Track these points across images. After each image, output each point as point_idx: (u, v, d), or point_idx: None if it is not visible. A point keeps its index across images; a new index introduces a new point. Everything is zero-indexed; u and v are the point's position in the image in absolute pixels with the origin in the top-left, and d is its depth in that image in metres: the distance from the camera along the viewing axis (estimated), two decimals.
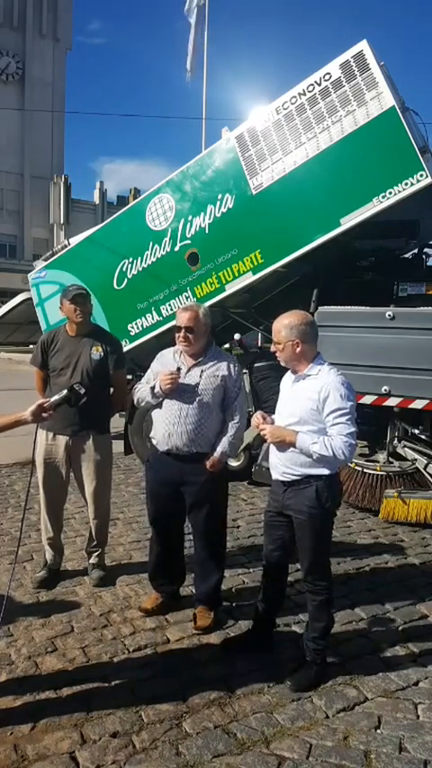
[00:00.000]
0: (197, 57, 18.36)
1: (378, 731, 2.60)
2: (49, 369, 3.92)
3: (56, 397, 2.92)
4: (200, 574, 3.50)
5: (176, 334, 3.37)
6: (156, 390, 3.33)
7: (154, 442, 3.45)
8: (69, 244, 7.03)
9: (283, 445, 2.89)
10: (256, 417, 2.98)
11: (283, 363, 3.00)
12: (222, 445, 3.35)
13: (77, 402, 3.06)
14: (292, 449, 2.85)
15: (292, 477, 2.90)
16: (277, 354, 2.98)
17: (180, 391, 3.30)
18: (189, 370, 3.35)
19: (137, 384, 3.58)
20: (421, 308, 5.19)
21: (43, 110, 38.44)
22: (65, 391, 2.98)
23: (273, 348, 3.01)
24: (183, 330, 3.31)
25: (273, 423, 2.97)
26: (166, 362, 3.44)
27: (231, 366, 3.40)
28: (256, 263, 5.47)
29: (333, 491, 2.92)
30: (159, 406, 3.39)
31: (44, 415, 2.79)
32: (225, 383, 3.36)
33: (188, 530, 3.58)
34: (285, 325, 2.89)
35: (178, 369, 3.33)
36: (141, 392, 3.45)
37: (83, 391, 3.04)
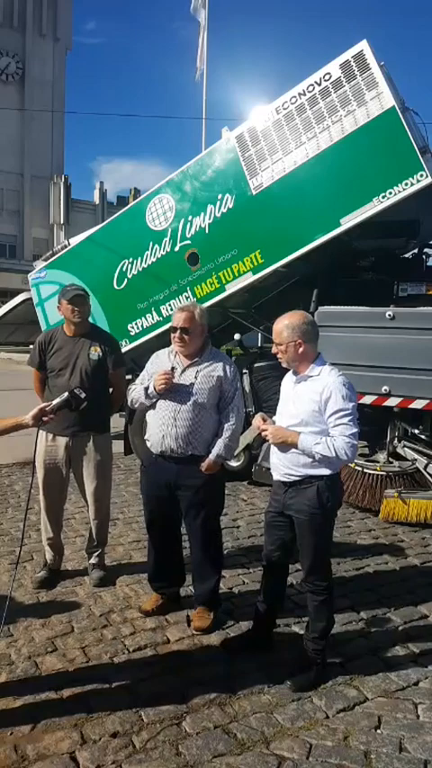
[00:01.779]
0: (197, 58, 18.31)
1: (378, 731, 2.59)
2: (47, 369, 3.92)
3: (56, 401, 2.92)
4: (198, 576, 3.50)
5: (172, 335, 3.35)
6: (150, 391, 3.30)
7: (148, 444, 3.43)
8: (69, 244, 7.03)
9: (285, 446, 2.88)
10: (258, 419, 2.98)
11: (285, 365, 3.00)
12: (218, 447, 3.31)
13: (78, 406, 3.06)
14: (293, 449, 2.85)
15: (293, 478, 2.90)
16: (279, 356, 2.97)
17: (174, 392, 3.27)
18: (184, 370, 3.33)
19: (131, 385, 3.55)
20: (421, 307, 5.20)
21: (43, 110, 38.42)
22: (66, 394, 2.98)
23: (274, 350, 2.99)
24: (178, 330, 3.29)
25: (274, 424, 2.97)
26: (162, 363, 3.43)
27: (227, 367, 3.37)
28: (256, 263, 5.47)
29: (334, 491, 2.92)
30: (154, 407, 3.37)
31: (44, 418, 2.80)
32: (221, 384, 3.33)
33: (185, 530, 3.57)
34: (287, 325, 2.89)
35: (173, 369, 3.31)
36: (135, 393, 3.42)
37: (83, 395, 3.03)
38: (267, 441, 2.96)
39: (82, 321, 3.88)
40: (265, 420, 2.96)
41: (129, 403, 3.53)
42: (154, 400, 3.35)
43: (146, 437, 3.48)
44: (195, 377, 3.30)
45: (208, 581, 3.44)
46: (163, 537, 3.54)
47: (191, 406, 3.27)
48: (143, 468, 3.59)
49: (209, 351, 3.42)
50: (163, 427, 3.29)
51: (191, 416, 3.26)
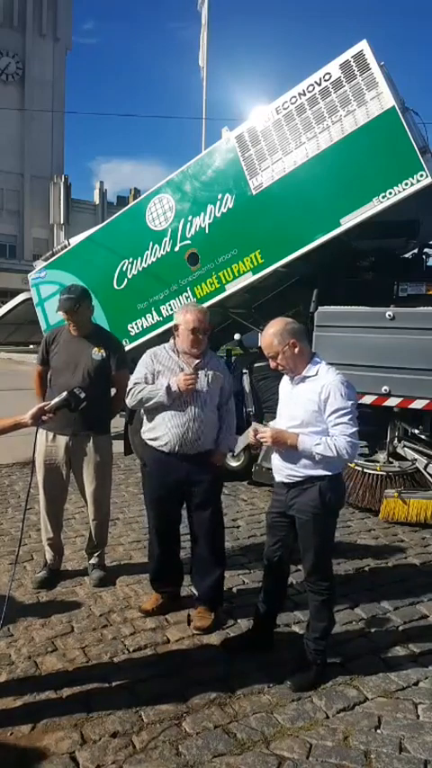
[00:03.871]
0: (198, 56, 18.30)
1: (378, 731, 2.59)
2: (50, 367, 3.91)
3: (56, 400, 2.92)
4: (201, 572, 3.50)
5: (186, 337, 3.34)
6: (173, 390, 3.29)
7: (156, 443, 3.40)
8: (69, 244, 7.03)
9: (285, 448, 2.88)
10: (252, 430, 2.98)
11: (287, 371, 2.96)
12: (225, 441, 3.49)
13: (77, 406, 3.05)
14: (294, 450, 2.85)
15: (295, 479, 2.90)
16: (279, 366, 2.93)
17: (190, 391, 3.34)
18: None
19: (135, 386, 3.48)
20: (421, 307, 5.19)
21: (43, 110, 38.42)
22: (65, 393, 2.98)
23: (273, 364, 2.96)
24: (199, 332, 3.32)
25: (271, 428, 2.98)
26: (164, 361, 3.43)
27: (223, 364, 3.59)
28: (256, 263, 5.48)
29: (337, 491, 2.92)
30: (170, 407, 3.34)
31: (44, 418, 2.80)
32: (222, 382, 3.45)
33: (183, 530, 3.58)
34: (274, 333, 2.88)
35: (196, 369, 3.35)
36: (146, 392, 3.36)
37: (83, 395, 3.03)
38: (266, 445, 2.97)
39: (81, 326, 3.87)
40: (257, 431, 2.95)
41: (135, 403, 3.44)
42: (174, 399, 3.32)
43: (150, 437, 3.44)
44: (205, 376, 3.38)
45: (211, 576, 3.46)
46: (167, 536, 3.56)
47: (203, 404, 3.35)
48: (147, 470, 3.58)
49: (209, 351, 3.50)
50: (179, 426, 3.32)
51: (202, 414, 3.34)
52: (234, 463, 6.21)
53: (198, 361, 3.40)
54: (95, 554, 4.07)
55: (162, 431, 3.37)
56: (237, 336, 6.41)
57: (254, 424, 3.04)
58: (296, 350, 2.87)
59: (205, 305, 5.64)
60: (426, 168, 4.69)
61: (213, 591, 3.47)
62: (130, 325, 6.25)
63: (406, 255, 6.65)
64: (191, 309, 3.41)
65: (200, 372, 3.36)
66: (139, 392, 3.40)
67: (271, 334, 2.89)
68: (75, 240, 7.07)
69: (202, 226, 5.71)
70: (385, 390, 5.15)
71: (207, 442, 3.38)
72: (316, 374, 2.87)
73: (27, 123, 40.31)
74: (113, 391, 4.06)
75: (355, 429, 2.77)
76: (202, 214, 5.69)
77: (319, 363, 2.91)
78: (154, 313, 6.11)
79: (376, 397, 5.20)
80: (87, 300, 3.91)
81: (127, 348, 6.01)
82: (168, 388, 3.30)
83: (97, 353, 3.84)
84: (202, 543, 3.47)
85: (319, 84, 5.02)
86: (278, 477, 3.01)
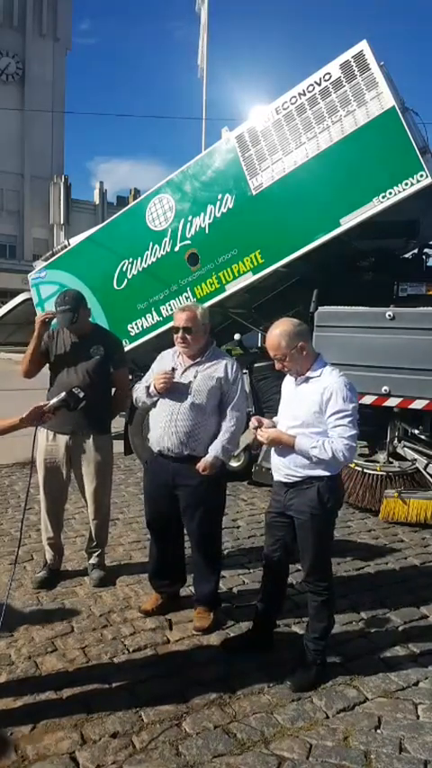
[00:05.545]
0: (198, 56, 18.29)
1: (378, 731, 2.59)
2: (48, 359, 3.91)
3: (54, 401, 2.93)
4: (197, 576, 3.50)
5: (174, 336, 3.36)
6: (150, 390, 3.34)
7: (149, 443, 3.47)
8: (69, 244, 7.04)
9: (284, 447, 2.88)
10: (252, 422, 2.98)
11: (293, 374, 2.95)
12: (215, 448, 3.28)
13: (76, 406, 3.06)
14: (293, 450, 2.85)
15: (293, 479, 2.90)
16: (285, 367, 2.92)
17: (174, 392, 3.29)
18: (185, 370, 3.34)
19: (136, 384, 3.59)
20: (421, 308, 5.19)
21: (43, 110, 38.40)
22: (63, 394, 2.99)
23: (278, 366, 2.94)
24: (181, 331, 3.30)
25: (273, 426, 2.97)
26: (166, 363, 3.45)
27: (229, 367, 3.33)
28: (256, 264, 5.48)
29: (335, 492, 2.92)
30: (155, 406, 3.41)
31: (42, 418, 2.80)
32: (221, 385, 3.31)
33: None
34: (281, 334, 2.86)
35: (173, 369, 3.33)
36: (138, 392, 3.48)
37: (81, 395, 3.04)
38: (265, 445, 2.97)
39: (80, 330, 3.87)
40: (260, 423, 2.95)
41: (133, 402, 3.59)
42: (154, 399, 3.38)
43: (148, 435, 3.52)
44: (195, 377, 3.31)
45: (206, 582, 3.45)
46: (163, 535, 3.55)
47: (188, 406, 3.27)
48: (146, 466, 3.62)
49: (211, 351, 3.41)
50: (162, 426, 3.32)
51: (189, 417, 3.27)
52: (234, 463, 6.21)
53: (190, 362, 3.37)
54: (95, 554, 4.07)
55: (151, 430, 3.43)
56: (237, 336, 6.41)
57: (256, 417, 3.02)
58: (304, 352, 2.87)
59: (205, 305, 5.65)
60: (426, 168, 4.69)
61: (209, 594, 3.45)
62: (129, 326, 6.25)
63: (406, 255, 6.65)
64: (179, 309, 3.42)
65: (187, 373, 3.33)
66: (136, 392, 3.50)
67: (278, 336, 2.87)
68: (75, 240, 7.07)
69: (202, 226, 5.71)
70: (385, 390, 5.15)
71: (197, 446, 3.28)
72: (320, 375, 2.87)
73: (27, 123, 40.27)
74: (114, 391, 4.07)
75: (354, 432, 2.76)
76: (202, 214, 5.69)
77: (325, 365, 2.91)
78: (154, 313, 6.11)
79: (376, 397, 5.20)
80: (83, 306, 3.87)
81: (127, 348, 6.03)
82: (147, 387, 3.35)
83: (97, 352, 3.84)
84: (194, 548, 3.46)
85: (319, 85, 5.02)
86: (277, 477, 3.02)
